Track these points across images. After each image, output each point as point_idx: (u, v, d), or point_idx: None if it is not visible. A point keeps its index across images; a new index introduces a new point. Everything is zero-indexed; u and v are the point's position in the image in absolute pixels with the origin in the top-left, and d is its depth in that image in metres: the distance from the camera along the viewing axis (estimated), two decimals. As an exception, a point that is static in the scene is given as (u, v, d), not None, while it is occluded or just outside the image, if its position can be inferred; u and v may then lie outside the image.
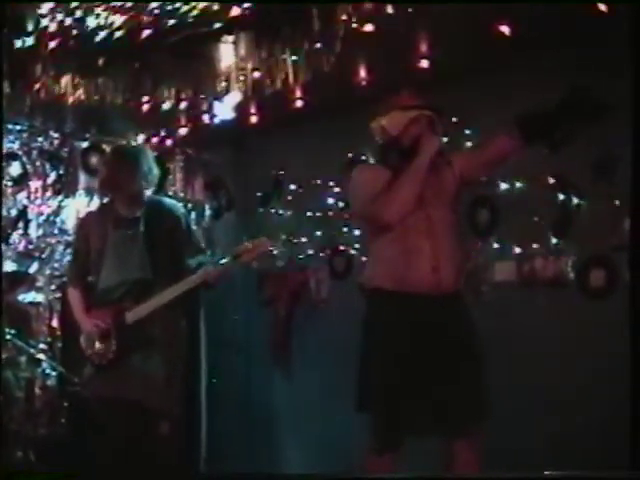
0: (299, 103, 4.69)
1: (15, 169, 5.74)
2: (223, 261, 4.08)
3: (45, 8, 4.08)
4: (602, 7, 3.42)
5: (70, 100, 4.65)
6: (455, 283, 3.38)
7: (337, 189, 5.48)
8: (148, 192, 4.22)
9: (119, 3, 4.03)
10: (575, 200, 4.31)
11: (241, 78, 4.29)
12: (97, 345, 4.02)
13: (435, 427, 3.24)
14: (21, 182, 5.77)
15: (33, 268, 5.75)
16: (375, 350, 3.32)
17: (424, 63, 4.20)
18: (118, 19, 4.07)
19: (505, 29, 3.81)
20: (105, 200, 4.43)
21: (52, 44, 4.23)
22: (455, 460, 3.28)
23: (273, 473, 5.52)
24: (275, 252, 5.83)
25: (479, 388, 3.31)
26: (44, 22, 4.09)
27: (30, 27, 4.11)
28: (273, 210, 5.92)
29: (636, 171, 3.05)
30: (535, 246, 4.50)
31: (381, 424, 3.28)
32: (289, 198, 5.83)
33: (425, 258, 3.28)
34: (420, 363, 3.22)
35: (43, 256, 5.80)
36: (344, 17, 3.54)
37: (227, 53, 4.16)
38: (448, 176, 3.40)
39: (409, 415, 3.20)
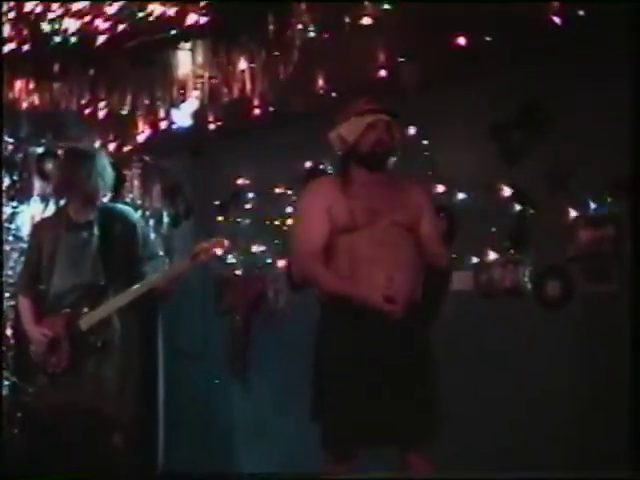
0: (257, 111, 4.67)
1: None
2: (178, 263, 4.06)
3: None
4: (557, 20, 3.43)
5: (25, 105, 4.59)
6: (411, 294, 3.37)
7: (295, 198, 5.46)
8: (104, 199, 4.18)
9: (76, 7, 3.98)
10: (531, 211, 4.34)
11: (198, 85, 4.27)
12: (47, 354, 3.96)
13: (387, 439, 3.22)
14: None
15: (-14, 275, 5.66)
16: (328, 360, 3.30)
17: (383, 73, 4.21)
18: (73, 24, 4.02)
19: (467, 40, 3.83)
20: (59, 206, 4.37)
21: (6, 48, 4.16)
22: (408, 470, 3.27)
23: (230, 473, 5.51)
24: (233, 261, 5.82)
25: (432, 400, 3.30)
26: (-3, 26, 4.04)
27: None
28: (231, 218, 5.89)
29: (636, 170, 3.07)
30: (492, 256, 4.51)
31: (333, 435, 3.26)
32: (247, 206, 5.80)
33: (380, 268, 3.26)
34: (373, 374, 3.20)
35: (-4, 263, 5.70)
36: (300, 26, 3.53)
37: (184, 60, 4.14)
38: (412, 194, 3.42)
39: (361, 426, 3.18)
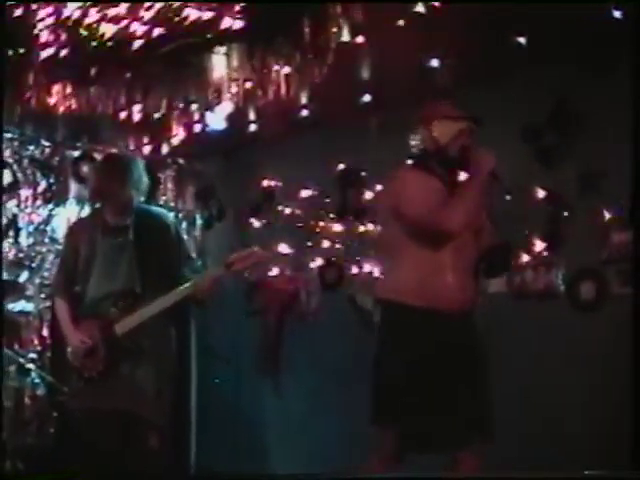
0: (291, 114, 4.69)
1: (6, 177, 5.70)
2: (214, 270, 4.06)
3: (37, 17, 4.07)
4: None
5: (61, 109, 4.63)
6: (475, 301, 3.41)
7: (327, 200, 5.48)
8: (138, 201, 4.21)
9: (112, 12, 4.02)
10: (565, 213, 4.33)
11: (233, 89, 4.29)
12: (85, 360, 3.99)
13: (449, 444, 3.24)
14: (11, 190, 5.74)
15: (23, 277, 5.72)
16: (392, 365, 3.30)
17: (416, 75, 4.22)
18: (110, 29, 4.07)
19: (498, 42, 3.84)
20: (94, 208, 4.40)
21: (44, 53, 4.21)
22: (458, 466, 3.29)
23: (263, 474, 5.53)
24: (266, 263, 5.85)
25: (490, 404, 3.33)
26: (36, 31, 4.08)
27: (22, 36, 4.10)
28: (264, 220, 5.91)
29: (636, 174, 3.06)
30: (526, 258, 4.50)
31: (397, 439, 3.27)
32: (280, 209, 5.83)
33: (454, 275, 3.30)
34: (437, 380, 3.22)
35: (33, 265, 5.77)
36: (335, 29, 3.55)
37: (219, 63, 4.15)
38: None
39: (424, 432, 3.21)
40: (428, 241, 3.30)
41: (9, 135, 5.63)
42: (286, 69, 3.95)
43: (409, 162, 3.48)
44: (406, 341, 3.28)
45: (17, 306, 5.64)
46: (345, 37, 3.63)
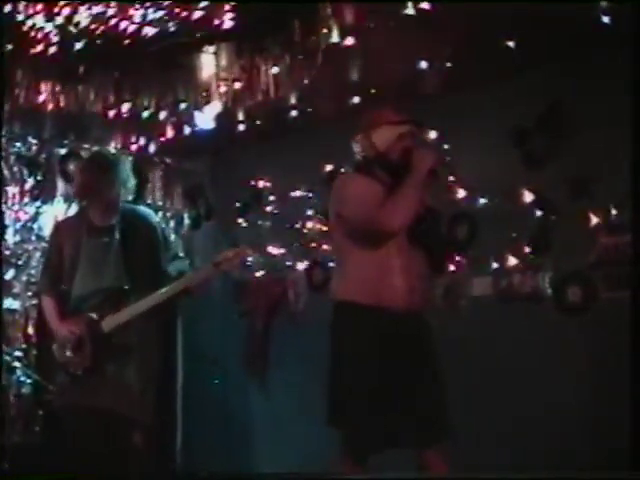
0: (279, 114, 4.69)
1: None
2: (202, 269, 4.07)
3: (25, 14, 4.05)
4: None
5: (49, 106, 4.62)
6: (425, 299, 3.42)
7: (316, 201, 5.48)
8: (124, 200, 4.20)
9: (101, 10, 4.01)
10: (552, 217, 4.33)
11: (222, 88, 4.28)
12: (71, 354, 3.99)
13: (403, 442, 3.24)
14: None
15: (9, 275, 5.69)
16: (345, 365, 3.31)
17: (405, 77, 4.22)
18: (99, 27, 4.06)
19: (489, 44, 3.85)
20: (79, 207, 4.40)
21: (32, 50, 4.20)
22: (424, 469, 3.29)
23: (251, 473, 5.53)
24: (253, 263, 5.84)
25: (443, 403, 3.33)
26: (24, 28, 4.07)
27: (10, 33, 4.09)
28: (252, 220, 5.91)
29: (636, 175, 3.07)
30: (513, 262, 4.51)
31: (350, 439, 3.28)
32: (268, 209, 5.83)
33: (402, 275, 3.30)
34: (390, 379, 3.23)
35: (20, 263, 5.74)
36: (325, 30, 3.55)
37: (208, 63, 4.16)
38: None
39: (377, 431, 3.20)
40: (369, 241, 3.32)
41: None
42: (275, 69, 3.94)
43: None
44: (356, 340, 3.29)
45: (3, 304, 5.61)
46: (335, 38, 3.64)
